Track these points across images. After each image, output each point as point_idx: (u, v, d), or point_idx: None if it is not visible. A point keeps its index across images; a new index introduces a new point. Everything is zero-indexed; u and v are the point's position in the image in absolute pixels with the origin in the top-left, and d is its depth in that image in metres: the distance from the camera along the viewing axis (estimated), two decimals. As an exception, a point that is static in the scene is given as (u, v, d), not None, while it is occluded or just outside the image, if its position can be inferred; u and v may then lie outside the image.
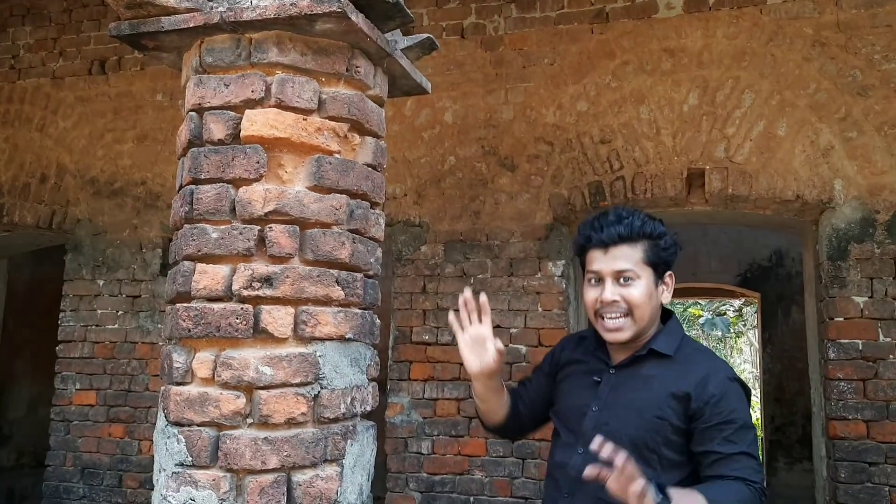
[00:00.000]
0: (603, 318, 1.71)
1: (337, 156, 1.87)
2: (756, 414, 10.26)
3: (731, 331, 16.73)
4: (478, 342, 1.76)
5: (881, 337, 3.62)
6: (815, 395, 4.05)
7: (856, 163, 3.78)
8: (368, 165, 1.95)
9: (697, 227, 7.60)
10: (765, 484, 1.65)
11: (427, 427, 4.15)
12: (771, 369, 7.90)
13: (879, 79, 3.79)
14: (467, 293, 1.77)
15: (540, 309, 4.12)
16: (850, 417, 3.59)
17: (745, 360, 17.64)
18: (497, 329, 4.09)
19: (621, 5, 4.23)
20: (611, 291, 1.70)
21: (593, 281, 1.74)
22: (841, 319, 3.69)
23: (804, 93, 3.89)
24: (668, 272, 1.76)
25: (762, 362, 8.19)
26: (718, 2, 4.08)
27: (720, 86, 4.02)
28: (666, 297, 1.76)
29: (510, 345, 4.11)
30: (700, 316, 16.35)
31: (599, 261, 1.72)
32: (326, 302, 1.79)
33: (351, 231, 1.87)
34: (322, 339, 1.77)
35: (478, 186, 4.31)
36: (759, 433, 8.69)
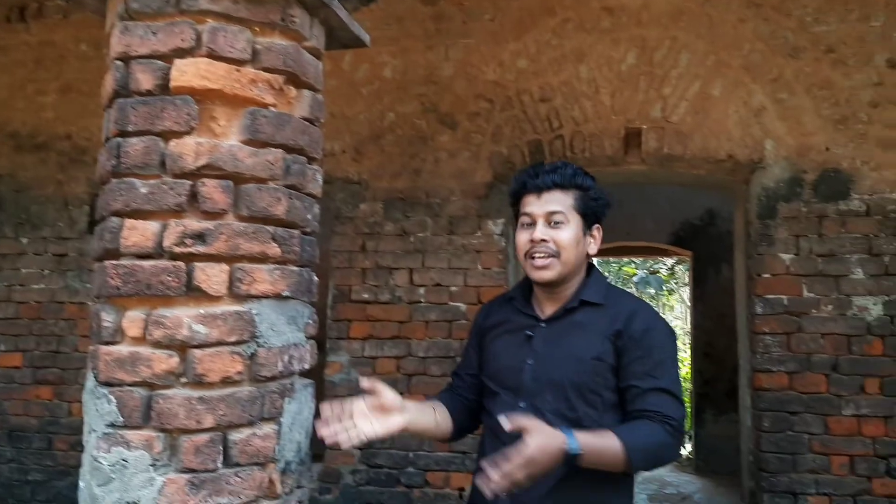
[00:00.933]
0: (533, 258, 1.79)
1: (272, 109, 1.81)
2: (686, 368, 10.62)
3: (664, 288, 17.16)
4: (378, 411, 1.72)
5: (805, 292, 3.76)
6: (742, 348, 4.20)
7: (786, 124, 3.88)
8: (305, 119, 1.90)
9: (634, 187, 7.71)
10: (684, 423, 1.72)
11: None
12: (701, 325, 8.15)
13: (810, 41, 3.88)
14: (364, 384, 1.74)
15: (480, 267, 4.14)
16: (774, 370, 3.74)
17: (677, 316, 18.15)
18: (437, 287, 4.17)
19: (562, -39, 4.20)
20: (541, 231, 1.78)
21: (526, 223, 1.82)
22: (768, 276, 3.81)
23: (738, 53, 3.95)
24: (597, 225, 1.86)
25: (692, 319, 8.43)
26: (658, -40, 4.09)
27: (658, 45, 4.04)
28: (592, 248, 1.86)
29: (450, 303, 4.13)
30: (634, 274, 16.70)
31: (533, 204, 1.81)
32: (262, 259, 1.76)
33: (287, 187, 1.82)
34: (258, 297, 1.74)
35: (418, 144, 4.27)
36: (688, 387, 9.01)
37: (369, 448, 4.10)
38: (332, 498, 4.12)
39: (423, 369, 4.11)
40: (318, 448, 4.11)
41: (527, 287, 1.91)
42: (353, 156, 4.34)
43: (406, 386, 4.11)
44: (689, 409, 8.87)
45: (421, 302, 4.16)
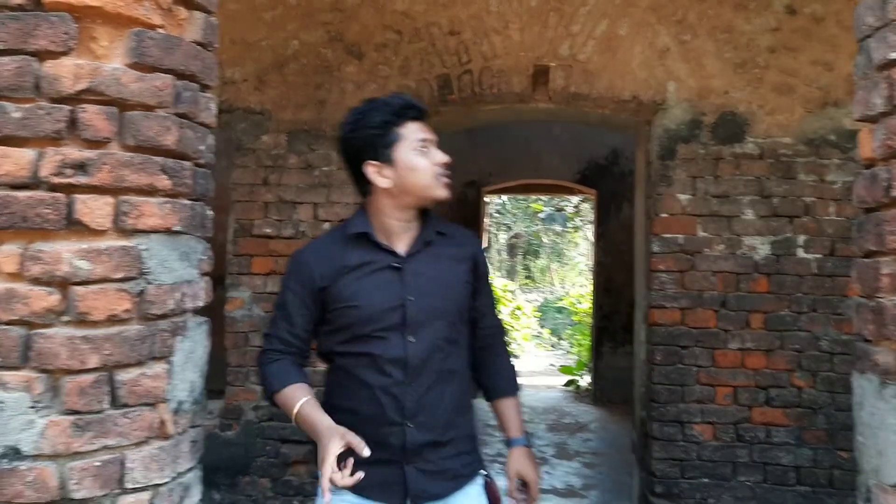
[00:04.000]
0: (440, 181, 1.88)
1: (160, 31, 1.69)
2: (587, 303, 11.00)
3: (570, 225, 17.58)
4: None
5: (699, 232, 3.91)
6: (639, 285, 4.35)
7: (688, 66, 3.95)
8: (198, 44, 1.79)
9: (541, 125, 7.77)
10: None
11: (268, 321, 4.09)
12: (602, 262, 8.43)
13: (715, -16, 3.93)
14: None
15: (385, 203, 4.09)
16: (667, 306, 3.89)
17: (581, 253, 18.69)
18: (343, 223, 4.09)
19: None
20: (442, 153, 1.89)
21: (420, 147, 1.86)
22: (665, 215, 3.93)
23: (646, -6, 3.97)
24: None
25: (594, 255, 8.70)
26: None
27: (568, -18, 4.02)
28: None
29: (355, 238, 4.08)
30: (541, 211, 17.03)
31: (423, 130, 1.87)
32: (151, 192, 1.66)
33: (178, 115, 1.72)
34: (146, 232, 1.65)
35: (323, 74, 4.13)
36: (588, 321, 9.34)
37: (272, 384, 4.07)
38: (233, 434, 4.09)
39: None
40: (218, 384, 4.05)
41: (362, 226, 1.90)
42: (256, 84, 4.16)
43: (310, 322, 4.07)
44: (588, 342, 9.23)
45: (325, 237, 4.10)
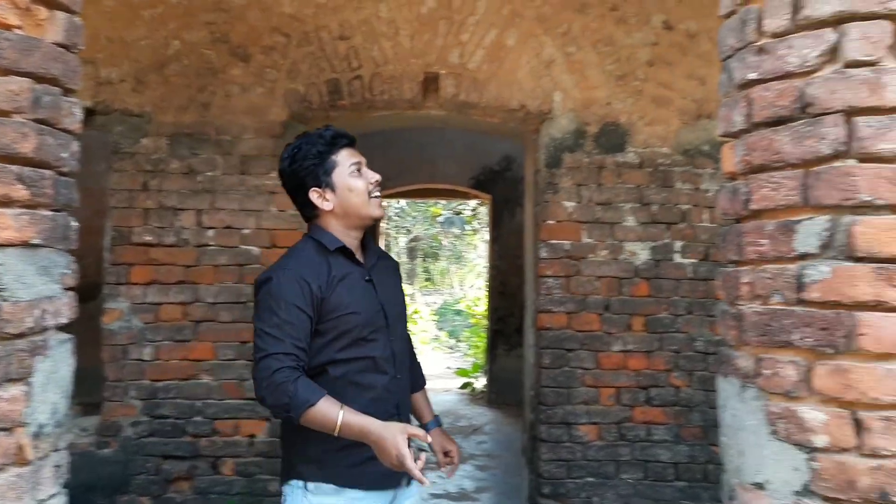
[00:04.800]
0: (376, 197, 2.09)
1: (17, 31, 1.59)
2: (483, 305, 11.14)
3: (468, 228, 17.78)
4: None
5: (584, 238, 4.03)
6: (529, 290, 4.44)
7: (573, 77, 4.07)
8: (59, 45, 1.69)
9: (435, 130, 7.82)
10: None
11: (149, 333, 3.93)
12: (497, 266, 8.56)
13: (597, -2, 4.06)
14: None
15: (274, 209, 4.01)
16: (554, 310, 3.99)
17: (479, 255, 18.93)
18: (228, 230, 3.99)
19: None
20: (373, 173, 2.10)
21: (355, 171, 2.07)
22: (552, 222, 4.03)
23: (532, 5, 4.05)
24: None
25: (489, 259, 8.83)
26: None
27: (457, -10, 4.05)
28: None
29: (241, 246, 3.98)
30: (440, 214, 17.15)
31: (354, 155, 2.09)
32: (6, 203, 1.56)
33: (37, 121, 1.62)
34: (1, 246, 1.55)
35: (207, 76, 4.00)
36: (484, 323, 9.46)
37: (152, 399, 3.91)
38: (110, 452, 3.89)
39: (212, 315, 3.95)
40: (95, 398, 3.86)
41: (338, 241, 2.07)
42: (134, 86, 3.99)
43: (193, 333, 3.94)
44: (484, 345, 9.34)
45: (210, 245, 3.97)
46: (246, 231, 3.99)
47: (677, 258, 4.01)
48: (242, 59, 4.02)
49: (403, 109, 4.18)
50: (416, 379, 2.35)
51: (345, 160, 2.07)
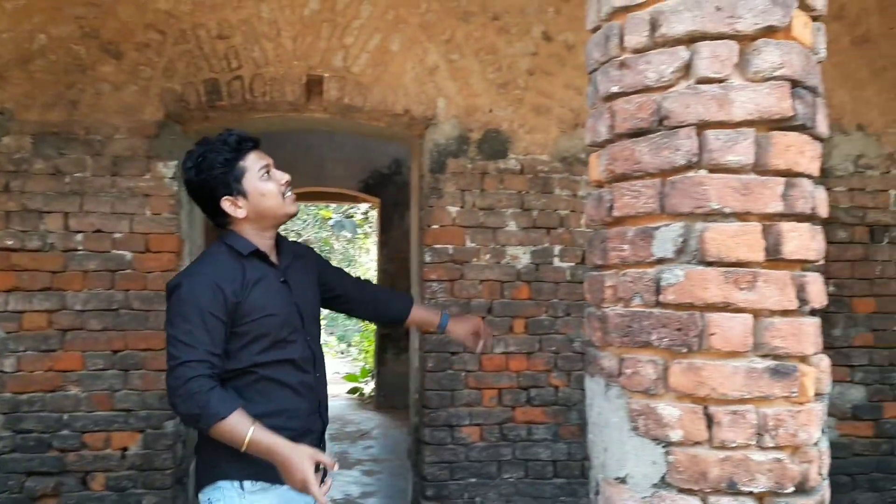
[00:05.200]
0: (289, 198, 2.10)
1: None
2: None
3: (359, 231, 17.66)
4: None
5: (468, 242, 4.09)
6: (415, 294, 4.46)
7: (457, 84, 4.12)
8: None
9: (325, 132, 7.73)
10: None
11: (11, 343, 3.69)
12: (386, 269, 8.55)
13: (480, 7, 4.13)
14: None
15: (149, 213, 3.85)
16: (436, 314, 4.02)
17: (371, 259, 18.85)
18: (98, 234, 3.80)
19: None
20: (282, 173, 2.10)
21: (264, 174, 2.05)
22: (436, 227, 4.07)
23: (416, 12, 4.08)
24: None
25: (378, 262, 8.81)
26: None
27: (341, -7, 4.03)
28: None
29: (113, 251, 3.80)
30: (330, 217, 16.96)
31: (261, 158, 2.07)
32: None
33: None
34: None
35: (75, 72, 3.80)
36: (373, 327, 9.44)
37: (15, 412, 3.68)
38: (-34, 472, 3.64)
39: (80, 324, 3.75)
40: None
41: (252, 245, 2.07)
42: (-6, 81, 3.75)
43: (60, 342, 3.73)
44: (372, 349, 9.32)
45: (78, 250, 3.77)
46: (118, 235, 3.81)
47: (556, 262, 4.13)
48: (114, 56, 3.85)
49: (286, 112, 4.11)
50: (401, 302, 2.56)
51: (253, 165, 2.04)
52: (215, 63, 3.92)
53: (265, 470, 1.92)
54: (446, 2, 4.10)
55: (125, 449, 3.77)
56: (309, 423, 2.11)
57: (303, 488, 1.81)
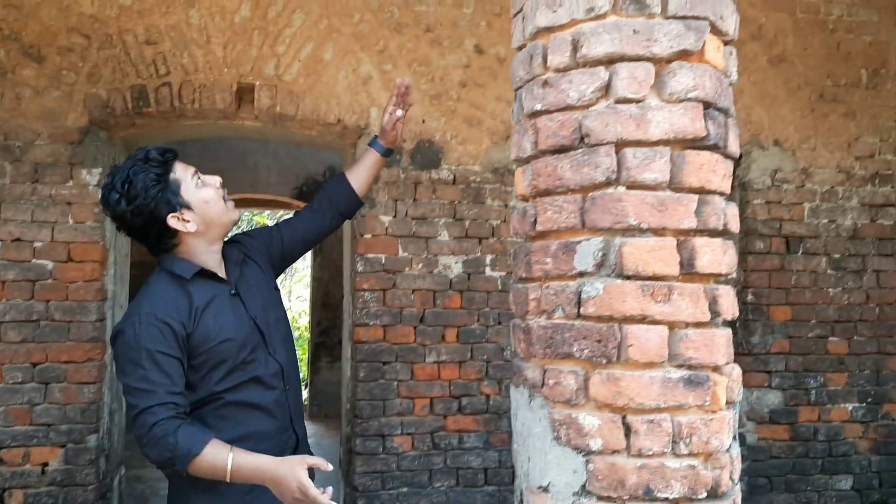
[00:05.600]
0: (231, 205, 2.00)
1: None
2: (306, 317, 11.01)
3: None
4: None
5: (400, 252, 4.10)
6: (347, 304, 4.46)
7: (389, 94, 4.13)
8: None
9: (258, 140, 7.64)
10: None
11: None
12: (320, 277, 8.49)
13: (413, 19, 4.16)
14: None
15: (71, 221, 3.74)
16: (370, 323, 4.03)
17: (305, 266, 18.64)
18: (18, 242, 3.68)
19: None
20: (213, 176, 1.99)
21: (198, 181, 1.94)
22: (369, 236, 4.07)
23: (349, 21, 4.09)
24: None
25: (312, 270, 8.74)
26: (274, -86, 4.01)
27: (272, 1, 4.00)
28: None
29: (34, 260, 3.68)
30: (265, 224, 16.77)
31: (187, 166, 1.95)
32: None
33: None
34: None
35: (-6, 76, 3.68)
36: (307, 336, 9.35)
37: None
38: None
39: (-2, 335, 3.62)
40: None
41: (194, 266, 1.94)
42: None
43: (-25, 356, 3.60)
44: (306, 357, 9.23)
45: (-4, 259, 3.65)
46: (38, 244, 3.69)
47: (488, 271, 4.18)
48: (35, 60, 3.73)
49: (216, 119, 4.06)
50: (341, 187, 2.40)
51: (184, 174, 1.92)
52: (143, 69, 3.84)
53: (242, 500, 1.85)
54: (380, 13, 4.12)
55: (45, 465, 3.65)
56: (282, 442, 1.99)
57: (302, 497, 1.69)
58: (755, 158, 4.42)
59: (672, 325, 1.59)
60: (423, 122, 4.16)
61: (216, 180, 1.98)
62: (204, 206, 1.92)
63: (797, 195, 4.46)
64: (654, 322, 1.58)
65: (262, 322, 1.98)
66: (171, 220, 1.89)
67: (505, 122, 4.25)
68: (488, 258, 4.19)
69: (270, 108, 3.98)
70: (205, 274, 1.94)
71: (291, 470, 1.70)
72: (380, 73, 4.12)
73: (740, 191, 4.41)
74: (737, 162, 4.08)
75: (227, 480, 1.75)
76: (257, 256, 2.14)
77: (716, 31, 1.69)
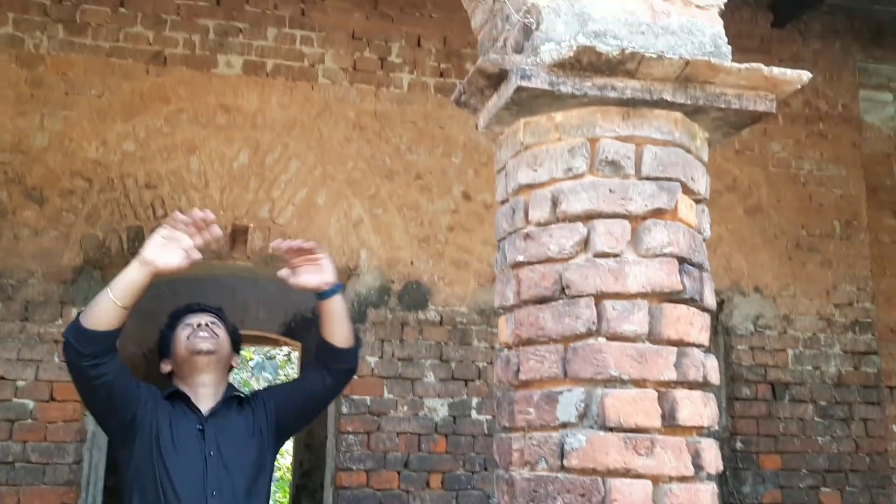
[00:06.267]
0: (196, 335, 2.10)
1: None
2: (288, 459, 10.68)
3: (282, 373, 17.25)
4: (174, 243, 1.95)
5: (386, 393, 4.08)
6: (329, 447, 4.36)
7: (379, 237, 4.25)
8: None
9: (248, 277, 7.72)
10: None
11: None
12: (305, 416, 8.30)
13: (403, 166, 4.35)
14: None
15: (57, 360, 3.71)
16: (354, 468, 3.94)
17: (288, 404, 18.26)
18: (1, 381, 3.64)
19: (181, 52, 4.17)
20: (204, 319, 2.15)
21: (188, 330, 2.13)
22: (355, 377, 4.04)
23: (343, 169, 4.27)
24: (237, 353, 2.26)
25: (297, 410, 8.56)
26: (275, 70, 4.27)
27: (270, 149, 4.19)
28: (234, 362, 2.26)
29: (14, 399, 3.63)
30: (251, 359, 16.58)
31: (192, 317, 2.16)
32: None
33: None
34: None
35: (-5, 217, 3.78)
36: (288, 478, 9.04)
37: None
38: None
39: (-29, 478, 3.51)
40: None
41: (174, 388, 2.13)
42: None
43: (-55, 498, 3.47)
44: (286, 500, 8.88)
45: (-24, 398, 3.60)
46: (21, 383, 3.65)
47: (474, 414, 4.14)
48: (37, 202, 3.85)
49: (209, 260, 4.13)
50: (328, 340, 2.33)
51: (182, 321, 2.18)
52: (140, 211, 3.96)
53: None
54: (372, 161, 4.31)
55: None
56: None
57: (167, 234, 1.93)
58: (737, 304, 4.51)
59: (656, 480, 1.58)
60: (412, 263, 4.26)
61: (196, 320, 2.16)
62: (176, 349, 2.15)
63: (780, 341, 4.51)
64: (638, 476, 1.58)
65: (214, 464, 2.01)
66: (161, 364, 2.21)
67: (491, 266, 4.33)
68: (474, 401, 4.16)
69: (262, 250, 4.07)
70: (181, 396, 2.11)
71: (148, 242, 1.94)
72: (371, 217, 4.26)
73: (724, 336, 4.47)
74: (719, 307, 4.16)
75: (117, 302, 1.90)
76: (258, 404, 2.19)
77: (687, 190, 1.80)
